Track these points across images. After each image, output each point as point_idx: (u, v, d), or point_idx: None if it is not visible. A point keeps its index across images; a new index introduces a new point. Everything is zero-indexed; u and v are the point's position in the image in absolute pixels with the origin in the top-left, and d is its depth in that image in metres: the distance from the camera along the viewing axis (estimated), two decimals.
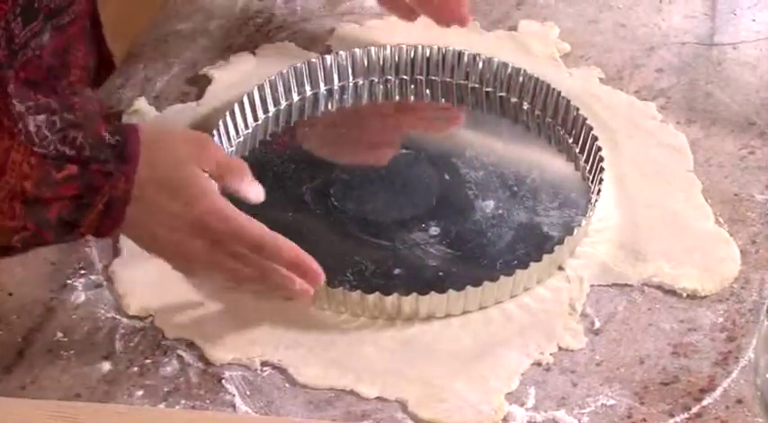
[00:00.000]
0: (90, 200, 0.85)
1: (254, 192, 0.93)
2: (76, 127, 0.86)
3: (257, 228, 0.89)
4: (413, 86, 1.15)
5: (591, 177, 1.03)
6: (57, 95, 0.88)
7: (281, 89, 1.12)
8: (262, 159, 1.07)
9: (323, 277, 0.90)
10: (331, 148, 1.10)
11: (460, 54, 1.14)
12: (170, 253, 0.90)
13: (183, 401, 0.88)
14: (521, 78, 1.11)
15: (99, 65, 1.18)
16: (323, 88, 1.14)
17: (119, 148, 0.86)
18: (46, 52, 1.04)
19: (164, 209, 0.88)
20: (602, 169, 1.00)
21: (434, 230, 0.99)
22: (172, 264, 0.91)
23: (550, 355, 0.90)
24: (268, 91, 1.11)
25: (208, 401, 0.87)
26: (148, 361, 0.90)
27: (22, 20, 0.96)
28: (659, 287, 0.95)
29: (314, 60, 1.13)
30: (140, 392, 0.88)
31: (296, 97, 1.13)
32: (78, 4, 1.01)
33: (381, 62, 1.15)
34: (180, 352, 0.91)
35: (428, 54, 1.14)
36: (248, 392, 0.88)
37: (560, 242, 0.95)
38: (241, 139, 1.09)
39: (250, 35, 1.23)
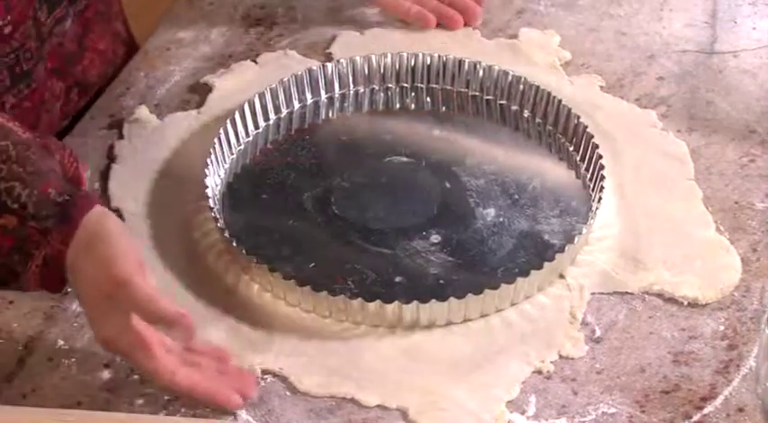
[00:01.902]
0: (27, 252, 0.85)
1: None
2: (23, 182, 0.85)
3: (148, 292, 0.84)
4: (413, 94, 1.15)
5: (592, 185, 1.03)
6: (20, 141, 0.87)
7: (281, 97, 1.12)
8: (262, 167, 1.07)
9: (193, 331, 0.85)
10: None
11: (461, 62, 1.14)
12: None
13: (183, 409, 0.87)
14: (521, 86, 1.12)
15: (122, 47, 1.19)
16: (324, 96, 1.14)
17: (64, 207, 0.85)
18: (67, 38, 1.05)
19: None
20: (602, 177, 1.00)
21: (435, 238, 0.99)
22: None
23: (551, 363, 0.90)
24: (269, 99, 1.11)
25: (208, 410, 0.87)
26: None
27: (47, 7, 0.97)
28: (660, 295, 0.95)
29: (315, 68, 1.13)
30: (141, 401, 0.88)
31: (297, 105, 1.13)
32: None
33: (382, 70, 1.15)
34: None
35: (429, 62, 1.15)
36: (249, 400, 0.88)
37: (561, 250, 0.95)
38: (242, 146, 1.09)
39: (251, 43, 1.23)
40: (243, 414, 0.87)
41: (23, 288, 0.87)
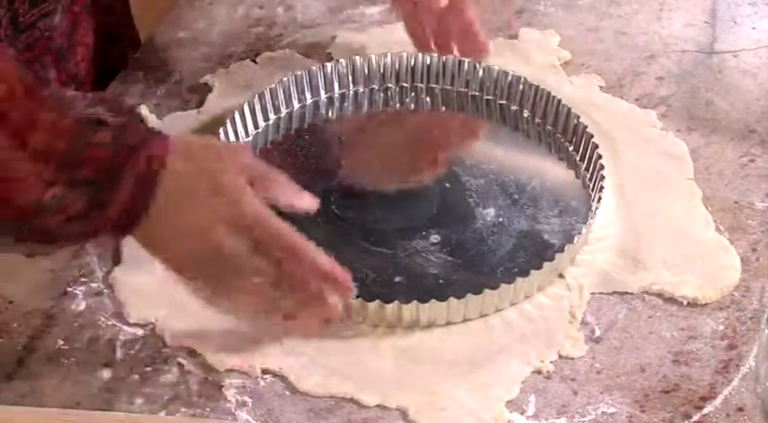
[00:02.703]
0: (121, 168, 0.80)
1: (307, 202, 0.89)
2: (105, 103, 0.82)
3: (297, 235, 0.86)
4: (413, 94, 1.15)
5: (591, 185, 1.03)
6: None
7: (281, 97, 1.12)
8: None
9: (353, 292, 0.89)
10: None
11: (461, 62, 1.14)
12: (205, 256, 0.84)
13: (183, 409, 0.88)
14: (521, 86, 1.12)
15: (124, 43, 1.19)
16: (323, 96, 1.14)
17: (150, 126, 0.84)
18: (56, 33, 1.04)
19: (204, 202, 0.82)
20: (602, 177, 1.00)
21: (435, 238, 1.00)
22: (201, 275, 0.86)
23: (551, 362, 0.90)
24: (268, 99, 1.11)
25: (208, 409, 0.87)
26: (149, 369, 0.90)
27: (29, 1, 0.96)
28: (660, 295, 0.95)
29: (314, 68, 1.13)
30: (141, 400, 0.88)
31: (296, 105, 1.13)
32: None
33: (382, 70, 1.15)
34: (180, 360, 0.91)
35: (428, 62, 1.15)
36: (249, 400, 0.88)
37: (561, 250, 0.95)
38: None
39: (251, 43, 1.23)
40: (243, 414, 0.87)
41: (96, 220, 0.80)
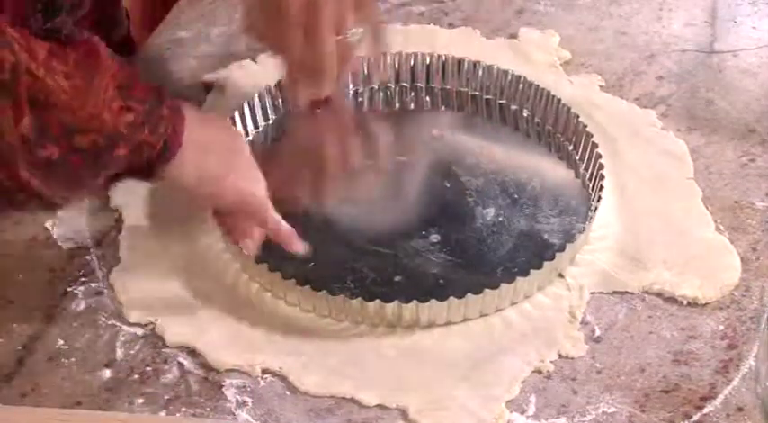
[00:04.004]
0: (161, 88, 0.88)
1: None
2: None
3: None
4: (413, 94, 1.15)
5: (591, 185, 1.03)
6: None
7: (281, 97, 1.12)
8: (261, 167, 1.07)
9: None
10: None
11: (461, 62, 1.14)
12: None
13: (183, 409, 0.88)
14: (521, 86, 1.12)
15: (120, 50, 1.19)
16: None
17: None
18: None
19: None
20: (602, 177, 1.00)
21: (435, 238, 1.00)
22: None
23: (551, 362, 0.90)
24: (269, 99, 1.11)
25: (208, 409, 0.87)
26: (149, 368, 0.90)
27: (42, 16, 0.97)
28: (660, 295, 0.95)
29: None
30: (141, 400, 0.88)
31: None
32: None
33: (381, 69, 1.15)
34: (180, 359, 0.91)
35: (428, 61, 1.15)
36: (249, 400, 0.88)
37: (561, 249, 0.95)
38: None
39: (251, 43, 1.23)
40: (243, 414, 0.87)
41: (158, 133, 0.87)
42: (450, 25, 1.25)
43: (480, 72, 1.14)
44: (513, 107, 1.13)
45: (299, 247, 0.96)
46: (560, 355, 0.91)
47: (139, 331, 0.93)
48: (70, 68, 0.82)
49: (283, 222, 0.95)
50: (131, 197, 1.04)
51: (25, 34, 0.81)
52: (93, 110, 0.82)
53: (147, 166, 0.88)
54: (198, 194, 0.93)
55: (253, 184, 0.94)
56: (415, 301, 0.91)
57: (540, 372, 0.90)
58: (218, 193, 0.93)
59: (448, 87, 1.15)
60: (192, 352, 0.91)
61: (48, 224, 1.02)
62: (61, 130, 0.81)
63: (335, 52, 0.96)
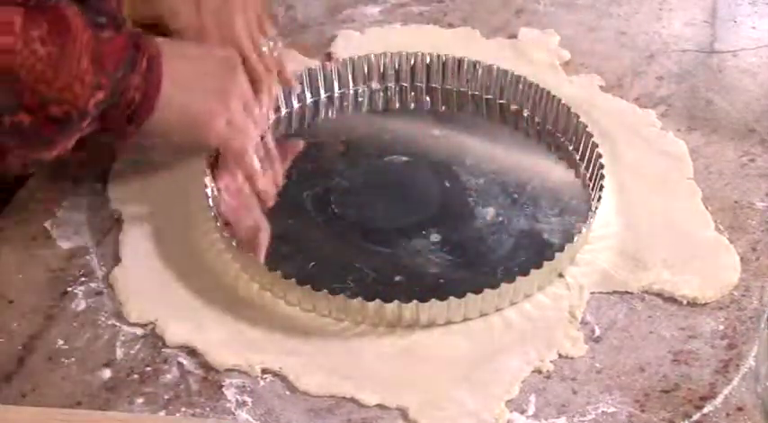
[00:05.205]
0: (136, 54, 0.88)
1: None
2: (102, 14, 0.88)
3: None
4: (413, 94, 1.15)
5: (591, 185, 1.03)
6: None
7: (281, 96, 1.12)
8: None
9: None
10: None
11: (461, 61, 1.14)
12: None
13: (183, 409, 0.88)
14: (521, 86, 1.12)
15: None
16: (323, 95, 1.14)
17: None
18: None
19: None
20: (602, 176, 1.00)
21: (435, 237, 1.00)
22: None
23: (551, 362, 0.90)
24: None
25: (208, 409, 0.87)
26: (149, 368, 0.90)
27: None
28: (659, 295, 0.95)
29: (314, 67, 1.14)
30: (141, 400, 0.88)
31: (296, 104, 1.13)
32: None
33: (381, 69, 1.15)
34: (180, 359, 0.91)
35: (428, 61, 1.15)
36: (249, 400, 0.88)
37: (561, 249, 0.95)
38: None
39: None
40: (243, 413, 0.87)
41: (126, 107, 0.89)
42: (450, 25, 1.25)
43: (480, 72, 1.14)
44: (514, 107, 1.13)
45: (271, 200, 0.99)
46: (560, 355, 0.91)
47: (139, 331, 0.93)
48: (44, 33, 0.82)
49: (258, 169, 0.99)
50: (131, 197, 1.04)
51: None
52: (66, 80, 0.82)
53: (119, 128, 0.90)
54: (177, 142, 0.97)
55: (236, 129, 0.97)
56: (415, 301, 0.91)
57: (539, 371, 0.90)
58: (199, 141, 0.97)
59: (448, 87, 1.15)
60: (192, 352, 0.91)
61: (47, 224, 1.02)
62: (35, 100, 0.82)
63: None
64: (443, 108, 1.14)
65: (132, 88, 0.89)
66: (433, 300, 0.91)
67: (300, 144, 1.08)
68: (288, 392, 0.89)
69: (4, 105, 0.81)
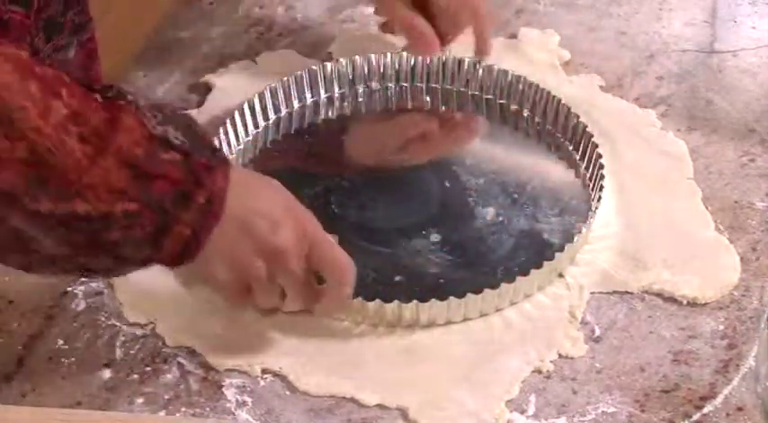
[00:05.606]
0: (191, 188, 0.80)
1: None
2: (173, 122, 0.82)
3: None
4: (413, 94, 1.15)
5: (591, 185, 1.03)
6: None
7: (281, 96, 1.12)
8: (262, 167, 1.07)
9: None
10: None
11: (461, 61, 1.14)
12: (230, 276, 0.87)
13: (183, 409, 0.88)
14: (521, 86, 1.12)
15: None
16: (323, 96, 1.14)
17: (215, 149, 0.84)
18: (73, 67, 1.05)
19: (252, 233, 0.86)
20: (602, 176, 1.00)
21: (435, 237, 1.00)
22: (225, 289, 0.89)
23: (551, 362, 0.90)
24: (268, 98, 1.11)
25: (208, 409, 0.87)
26: (149, 368, 0.90)
27: (44, 34, 0.97)
28: (659, 295, 0.95)
29: (314, 68, 1.14)
30: (141, 400, 0.88)
31: (296, 105, 1.13)
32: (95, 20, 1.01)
33: (382, 69, 1.15)
34: (180, 359, 0.91)
35: (428, 61, 1.15)
36: (249, 400, 0.88)
37: (561, 249, 0.95)
38: (241, 146, 1.09)
39: (251, 43, 1.23)
40: (242, 413, 0.87)
41: (164, 240, 0.80)
42: None
43: (480, 72, 1.14)
44: (513, 107, 1.13)
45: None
46: (560, 355, 0.91)
47: (139, 331, 0.93)
48: (88, 131, 0.77)
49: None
50: None
51: (47, 84, 0.76)
52: (90, 180, 0.76)
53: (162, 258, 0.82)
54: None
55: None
56: (415, 301, 0.91)
57: (539, 371, 0.90)
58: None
59: (448, 87, 1.15)
60: (192, 352, 0.91)
61: None
62: (60, 189, 0.76)
63: None
64: (444, 108, 1.14)
65: (176, 235, 0.81)
66: (433, 300, 0.91)
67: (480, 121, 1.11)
68: (288, 392, 0.89)
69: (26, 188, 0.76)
